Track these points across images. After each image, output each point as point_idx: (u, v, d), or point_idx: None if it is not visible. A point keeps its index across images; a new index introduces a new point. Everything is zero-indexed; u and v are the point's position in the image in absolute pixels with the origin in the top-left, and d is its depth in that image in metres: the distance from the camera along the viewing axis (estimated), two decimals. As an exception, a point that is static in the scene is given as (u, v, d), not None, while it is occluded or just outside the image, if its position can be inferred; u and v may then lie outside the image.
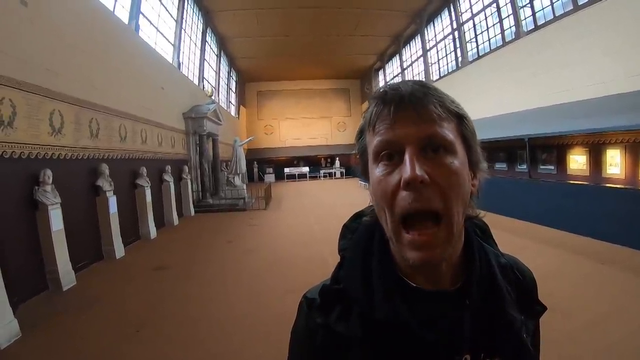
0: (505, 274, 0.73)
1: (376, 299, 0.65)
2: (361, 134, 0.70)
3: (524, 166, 12.07)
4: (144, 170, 9.73)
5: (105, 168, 7.73)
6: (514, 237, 7.97)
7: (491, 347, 0.68)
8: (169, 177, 11.87)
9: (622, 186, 8.58)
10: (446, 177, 0.59)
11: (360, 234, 0.76)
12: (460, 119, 0.65)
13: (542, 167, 12.21)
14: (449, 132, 0.62)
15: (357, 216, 0.82)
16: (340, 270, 0.75)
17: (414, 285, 0.67)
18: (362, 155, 0.70)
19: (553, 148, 11.63)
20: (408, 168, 0.57)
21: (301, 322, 0.75)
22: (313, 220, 12.03)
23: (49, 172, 5.89)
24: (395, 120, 0.61)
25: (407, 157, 0.59)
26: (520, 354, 0.69)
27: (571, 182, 9.99)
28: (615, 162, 9.53)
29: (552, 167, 11.79)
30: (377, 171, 0.63)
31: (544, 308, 0.77)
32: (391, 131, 0.61)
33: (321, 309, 0.70)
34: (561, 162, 11.42)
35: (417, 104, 0.61)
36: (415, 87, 0.63)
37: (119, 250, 7.98)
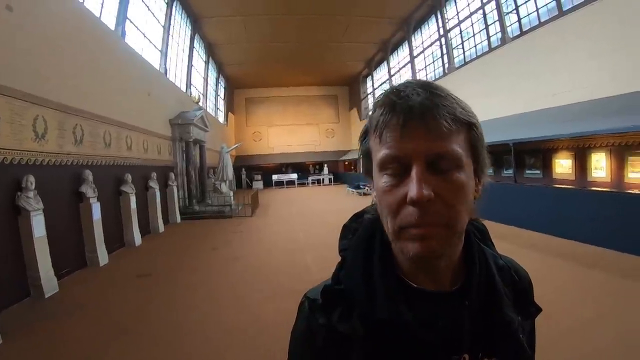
0: (503, 276, 0.74)
1: (378, 299, 0.66)
2: (365, 135, 0.69)
3: (510, 171, 12.19)
4: (129, 176, 9.67)
5: (89, 174, 7.66)
6: (500, 242, 7.80)
7: (489, 347, 0.69)
8: (154, 184, 11.77)
9: (608, 189, 8.74)
10: (452, 193, 0.59)
11: (361, 234, 0.76)
12: (470, 127, 0.64)
13: (528, 171, 12.41)
14: (457, 146, 0.60)
15: (357, 216, 0.82)
16: (341, 271, 0.75)
17: (415, 285, 0.67)
18: (365, 156, 0.70)
19: (539, 153, 11.83)
20: (415, 187, 0.56)
21: (302, 322, 0.74)
22: (299, 228, 12.02)
23: (31, 178, 5.85)
24: (403, 133, 0.59)
25: (414, 175, 0.58)
26: (518, 354, 0.70)
27: (557, 186, 10.13)
28: (600, 166, 9.71)
29: (538, 172, 11.99)
30: (382, 181, 0.62)
31: (539, 309, 0.79)
32: (399, 145, 0.60)
33: (323, 308, 0.70)
34: (547, 167, 11.62)
35: (427, 117, 0.59)
36: (426, 95, 0.61)
37: (103, 257, 7.90)
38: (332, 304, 0.70)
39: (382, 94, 0.65)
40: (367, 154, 0.69)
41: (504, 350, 0.69)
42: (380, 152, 0.62)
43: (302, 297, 0.77)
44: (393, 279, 0.68)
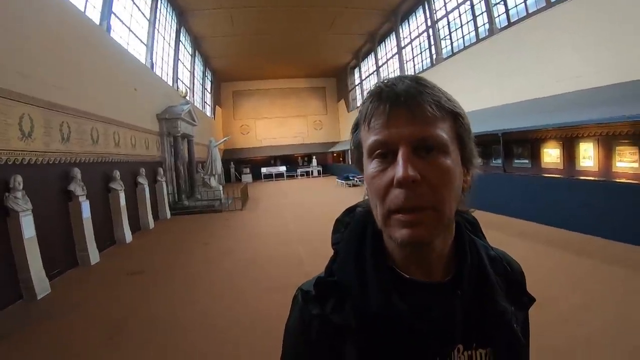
0: (494, 266, 0.75)
1: (370, 291, 0.66)
2: (356, 127, 0.71)
3: (499, 160, 12.29)
4: (117, 173, 9.56)
5: (77, 172, 7.55)
6: (489, 230, 7.84)
7: (483, 337, 0.70)
8: (143, 180, 11.65)
9: (596, 178, 8.85)
10: (438, 176, 0.61)
11: (353, 228, 0.77)
12: (455, 117, 0.65)
13: (516, 161, 12.55)
14: (442, 132, 0.62)
15: (349, 211, 0.83)
16: (333, 264, 0.76)
17: (407, 277, 0.68)
18: (356, 147, 0.71)
19: (527, 142, 11.96)
20: (400, 168, 0.58)
21: (295, 314, 0.74)
22: (289, 220, 12.06)
23: (19, 178, 5.75)
24: (389, 119, 0.62)
25: (400, 158, 0.60)
26: (512, 344, 0.71)
27: (545, 175, 10.24)
28: (588, 155, 9.85)
29: (527, 161, 12.12)
30: (371, 167, 0.64)
31: (533, 300, 0.80)
32: (385, 130, 0.62)
33: (316, 299, 0.70)
34: (535, 156, 11.74)
35: (411, 103, 0.61)
36: (411, 84, 0.63)
37: (94, 256, 7.82)
38: (325, 295, 0.70)
39: (373, 86, 0.68)
40: (358, 145, 0.71)
41: (498, 340, 0.70)
42: (368, 139, 0.64)
43: (295, 290, 0.77)
44: (385, 270, 0.68)
